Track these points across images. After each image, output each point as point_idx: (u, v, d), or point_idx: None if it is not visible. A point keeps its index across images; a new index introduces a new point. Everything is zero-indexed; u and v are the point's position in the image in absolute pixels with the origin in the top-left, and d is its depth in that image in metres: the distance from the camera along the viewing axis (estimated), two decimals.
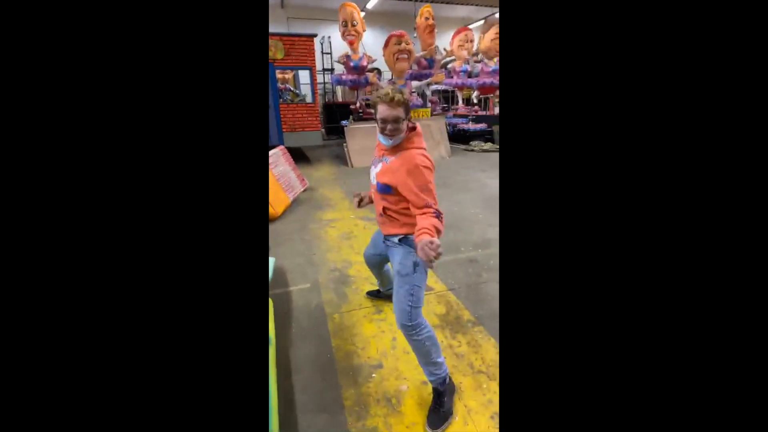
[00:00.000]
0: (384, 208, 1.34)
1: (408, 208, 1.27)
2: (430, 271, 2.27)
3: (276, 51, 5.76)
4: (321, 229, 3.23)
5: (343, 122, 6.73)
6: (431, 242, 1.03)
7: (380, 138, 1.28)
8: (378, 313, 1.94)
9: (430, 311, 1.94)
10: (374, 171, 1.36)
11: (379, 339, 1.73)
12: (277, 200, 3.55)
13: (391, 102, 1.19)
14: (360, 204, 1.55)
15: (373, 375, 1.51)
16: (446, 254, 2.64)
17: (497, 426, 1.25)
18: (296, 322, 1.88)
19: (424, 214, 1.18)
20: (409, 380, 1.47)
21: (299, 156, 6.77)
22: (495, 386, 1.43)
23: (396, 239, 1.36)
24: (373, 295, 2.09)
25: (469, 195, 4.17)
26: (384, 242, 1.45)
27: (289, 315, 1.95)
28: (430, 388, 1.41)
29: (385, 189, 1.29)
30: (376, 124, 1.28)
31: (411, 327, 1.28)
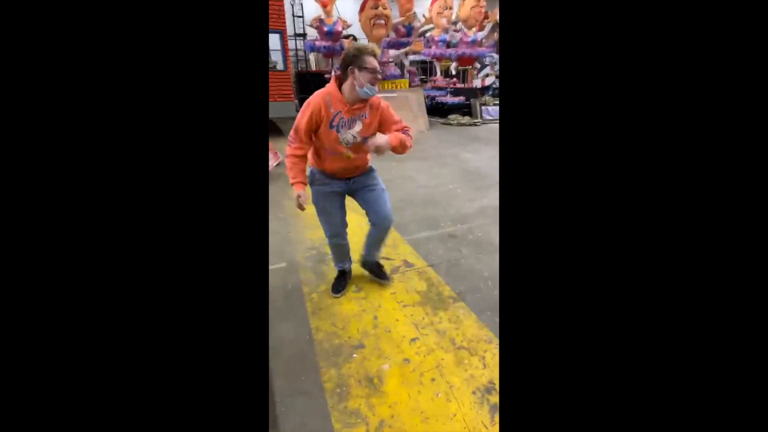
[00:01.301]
0: (359, 154, 1.58)
1: None
2: (410, 248, 2.33)
3: None
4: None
5: None
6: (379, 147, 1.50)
7: (366, 90, 1.43)
8: (358, 291, 1.89)
9: (411, 288, 1.91)
10: (352, 131, 1.52)
11: (360, 318, 1.69)
12: None
13: (376, 55, 1.44)
14: (304, 206, 1.54)
15: (354, 355, 1.47)
16: (426, 230, 2.60)
17: (480, 401, 1.26)
18: (272, 302, 1.80)
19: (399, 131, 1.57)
20: (391, 359, 1.44)
21: (270, 128, 6.43)
22: (476, 361, 1.43)
23: (368, 168, 1.71)
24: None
25: (446, 169, 4.12)
26: (352, 181, 1.67)
27: None
28: (412, 366, 1.40)
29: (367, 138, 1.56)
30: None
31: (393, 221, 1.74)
